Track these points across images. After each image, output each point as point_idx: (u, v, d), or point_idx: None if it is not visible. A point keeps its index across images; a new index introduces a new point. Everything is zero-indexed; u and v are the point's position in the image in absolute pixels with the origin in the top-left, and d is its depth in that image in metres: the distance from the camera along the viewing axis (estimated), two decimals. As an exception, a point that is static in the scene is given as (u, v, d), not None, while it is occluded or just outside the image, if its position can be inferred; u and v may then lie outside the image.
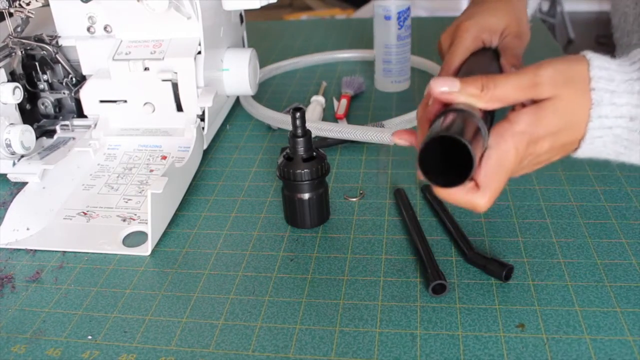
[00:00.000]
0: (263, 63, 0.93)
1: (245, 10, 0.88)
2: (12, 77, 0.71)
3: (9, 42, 0.72)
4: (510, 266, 0.50)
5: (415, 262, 0.53)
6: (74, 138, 0.72)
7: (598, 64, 0.41)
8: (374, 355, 0.44)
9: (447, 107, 0.42)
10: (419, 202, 0.61)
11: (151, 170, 0.67)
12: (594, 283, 0.49)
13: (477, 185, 0.41)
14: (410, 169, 0.67)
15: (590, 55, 0.42)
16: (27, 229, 0.59)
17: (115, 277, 0.54)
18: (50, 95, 0.75)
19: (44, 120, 0.75)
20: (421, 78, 0.91)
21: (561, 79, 0.41)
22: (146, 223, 0.57)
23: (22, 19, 0.74)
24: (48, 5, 0.72)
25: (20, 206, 0.60)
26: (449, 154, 0.41)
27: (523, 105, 0.42)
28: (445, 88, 0.42)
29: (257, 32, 1.16)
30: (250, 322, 0.48)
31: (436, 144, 0.40)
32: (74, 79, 0.74)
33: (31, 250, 0.58)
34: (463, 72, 0.51)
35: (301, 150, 0.56)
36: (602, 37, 3.19)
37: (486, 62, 0.54)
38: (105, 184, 0.65)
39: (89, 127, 0.72)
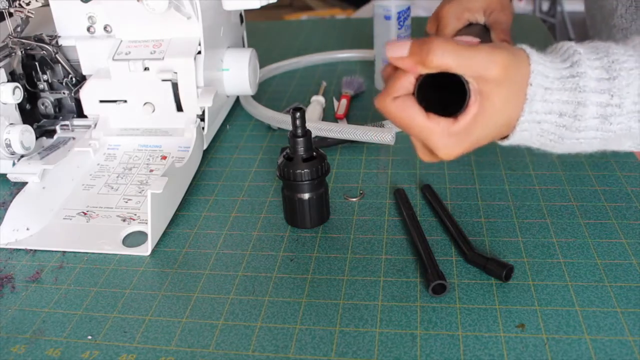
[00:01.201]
0: (263, 63, 0.93)
1: (245, 10, 0.88)
2: (12, 77, 0.71)
3: (9, 42, 0.72)
4: (510, 266, 0.50)
5: (415, 262, 0.53)
6: (74, 138, 0.72)
7: (535, 59, 0.42)
8: (374, 355, 0.44)
9: None
10: (419, 202, 0.61)
11: (151, 170, 0.67)
12: (594, 283, 0.49)
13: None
14: (410, 169, 0.67)
15: (528, 50, 0.43)
16: (27, 229, 0.59)
17: (115, 277, 0.54)
18: (50, 95, 0.75)
19: (44, 120, 0.75)
20: (421, 78, 0.91)
21: (513, 66, 0.41)
22: (146, 223, 0.57)
23: (22, 18, 0.74)
24: (48, 5, 0.72)
25: (20, 206, 0.60)
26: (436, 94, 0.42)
27: None
28: (396, 54, 0.42)
29: (257, 32, 1.16)
30: (250, 322, 0.48)
31: (431, 79, 0.41)
32: (74, 79, 0.74)
33: (31, 250, 0.58)
34: None
35: (301, 150, 0.56)
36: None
37: (475, 35, 0.54)
38: (105, 184, 0.65)
39: (89, 127, 0.72)
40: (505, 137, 0.45)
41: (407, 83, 0.43)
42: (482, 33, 0.59)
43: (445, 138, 0.42)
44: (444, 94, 0.43)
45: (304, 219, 0.58)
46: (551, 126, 0.43)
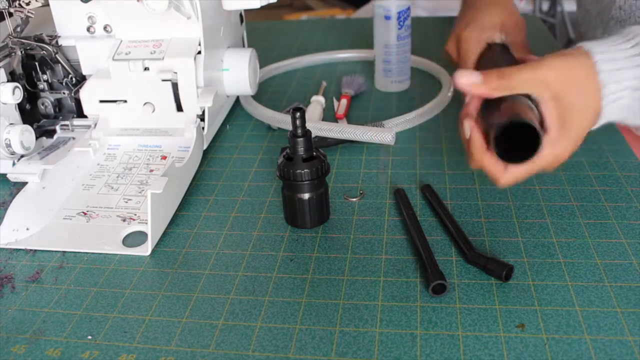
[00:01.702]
0: (263, 63, 0.93)
1: (245, 10, 0.88)
2: (12, 77, 0.71)
3: (9, 42, 0.72)
4: (511, 266, 0.50)
5: (415, 262, 0.53)
6: (73, 138, 0.72)
7: (597, 50, 0.49)
8: (374, 355, 0.44)
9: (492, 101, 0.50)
10: (419, 202, 0.61)
11: (151, 170, 0.67)
12: (594, 283, 0.49)
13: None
14: (410, 169, 0.67)
15: (588, 45, 0.50)
16: (27, 229, 0.59)
17: (115, 277, 0.54)
18: (50, 95, 0.75)
19: (44, 120, 0.75)
20: (421, 78, 0.91)
21: (567, 70, 0.49)
22: (146, 223, 0.57)
23: (21, 18, 0.74)
24: (48, 5, 0.72)
25: (20, 206, 0.60)
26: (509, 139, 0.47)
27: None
28: (468, 80, 0.49)
29: (257, 32, 1.16)
30: (250, 322, 0.48)
31: (507, 129, 0.46)
32: (73, 79, 0.74)
33: (31, 250, 0.58)
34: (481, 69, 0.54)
35: (301, 150, 0.56)
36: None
37: (498, 56, 0.59)
38: (105, 184, 0.65)
39: (88, 127, 0.72)
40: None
41: (479, 143, 0.50)
42: (504, 52, 0.60)
43: (550, 162, 0.50)
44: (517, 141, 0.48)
45: (304, 219, 0.58)
46: (629, 100, 0.50)
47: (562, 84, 0.49)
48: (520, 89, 0.49)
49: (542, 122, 0.49)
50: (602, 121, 0.52)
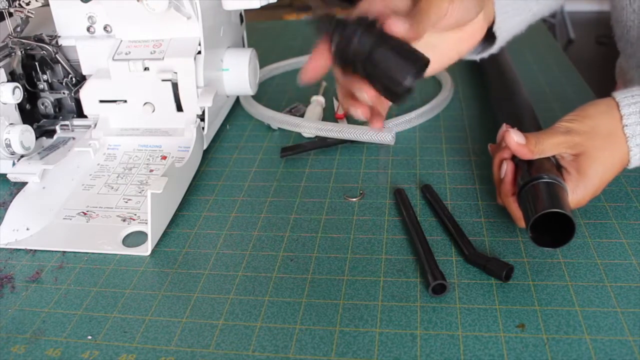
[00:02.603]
0: (263, 63, 0.93)
1: (245, 10, 0.88)
2: (12, 77, 0.71)
3: (9, 42, 0.72)
4: (511, 266, 0.50)
5: (415, 262, 0.53)
6: (73, 138, 0.72)
7: (626, 102, 0.52)
8: (374, 355, 0.44)
9: (530, 174, 0.52)
10: (419, 202, 0.61)
11: (151, 170, 0.67)
12: (594, 283, 0.49)
13: None
14: (410, 169, 0.67)
15: (619, 96, 0.53)
16: (27, 229, 0.59)
17: (115, 277, 0.54)
18: (50, 95, 0.75)
19: (44, 120, 0.75)
20: (421, 78, 0.91)
21: (592, 133, 0.52)
22: (146, 223, 0.57)
23: (21, 18, 0.74)
24: (48, 5, 0.72)
25: (20, 206, 0.60)
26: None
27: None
28: (518, 139, 0.52)
29: (257, 32, 1.16)
30: (250, 322, 0.48)
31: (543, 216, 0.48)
32: (73, 79, 0.74)
33: (31, 250, 0.58)
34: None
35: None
36: (602, 37, 3.19)
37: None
38: (105, 184, 0.65)
39: (88, 127, 0.72)
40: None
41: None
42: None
43: None
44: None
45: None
46: None
47: (587, 144, 0.52)
48: (550, 152, 0.53)
49: (559, 166, 0.53)
50: (635, 164, 0.54)
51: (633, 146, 0.52)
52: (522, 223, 0.52)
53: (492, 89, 0.78)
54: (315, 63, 0.48)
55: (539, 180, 0.51)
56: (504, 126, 0.56)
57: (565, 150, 0.52)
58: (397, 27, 0.45)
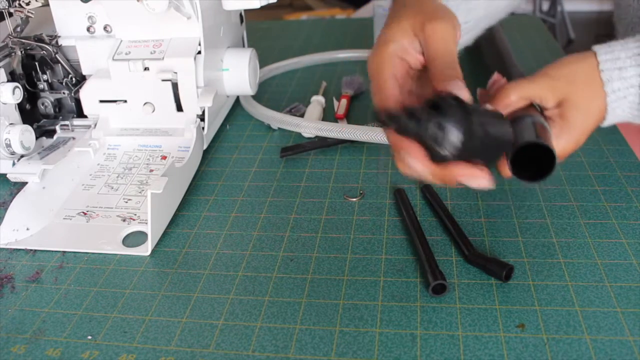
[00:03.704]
0: (263, 63, 0.93)
1: (245, 10, 0.88)
2: (12, 77, 0.71)
3: (9, 42, 0.72)
4: (511, 266, 0.50)
5: (415, 262, 0.53)
6: (73, 138, 0.72)
7: (603, 50, 0.51)
8: (374, 355, 0.44)
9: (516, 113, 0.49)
10: (419, 202, 0.61)
11: (151, 170, 0.67)
12: (594, 283, 0.49)
13: None
14: (410, 169, 0.67)
15: (597, 47, 0.52)
16: (27, 229, 0.59)
17: (115, 277, 0.54)
18: (50, 95, 0.75)
19: (44, 120, 0.75)
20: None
21: (571, 77, 0.50)
22: (146, 223, 0.57)
23: (21, 18, 0.74)
24: (48, 5, 0.72)
25: (20, 206, 0.60)
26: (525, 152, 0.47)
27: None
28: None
29: (257, 32, 1.16)
30: (250, 322, 0.48)
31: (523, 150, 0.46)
32: (73, 79, 0.74)
33: (31, 250, 0.58)
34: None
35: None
36: (602, 36, 3.18)
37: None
38: (105, 184, 0.65)
39: (88, 127, 0.72)
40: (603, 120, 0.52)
41: None
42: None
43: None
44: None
45: None
46: (636, 97, 0.50)
47: (568, 89, 0.50)
48: (532, 96, 0.50)
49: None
50: (611, 120, 0.52)
51: (610, 92, 0.50)
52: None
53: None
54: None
55: (525, 117, 0.48)
56: (496, 74, 0.55)
57: (547, 94, 0.50)
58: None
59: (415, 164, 0.44)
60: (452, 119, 0.41)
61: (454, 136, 0.41)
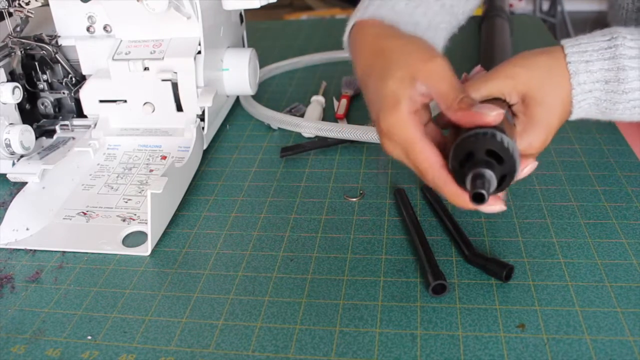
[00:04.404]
0: (263, 63, 0.93)
1: (245, 10, 0.88)
2: (12, 76, 0.71)
3: (9, 42, 0.72)
4: (511, 266, 0.50)
5: (415, 262, 0.53)
6: (73, 138, 0.72)
7: (570, 43, 0.50)
8: (374, 355, 0.44)
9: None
10: (419, 202, 0.61)
11: (151, 170, 0.67)
12: (595, 283, 0.49)
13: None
14: (410, 169, 0.67)
15: (563, 41, 0.50)
16: (27, 229, 0.59)
17: (115, 277, 0.54)
18: (50, 95, 0.75)
19: (44, 120, 0.75)
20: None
21: (532, 67, 0.49)
22: (146, 223, 0.57)
23: (21, 18, 0.74)
24: (47, 5, 0.72)
25: (19, 206, 0.60)
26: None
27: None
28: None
29: (257, 32, 1.16)
30: (250, 322, 0.48)
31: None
32: (73, 79, 0.74)
33: (31, 250, 0.58)
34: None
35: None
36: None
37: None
38: (105, 184, 0.65)
39: (88, 127, 0.72)
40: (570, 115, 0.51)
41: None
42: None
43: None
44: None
45: None
46: (601, 93, 0.49)
47: (528, 85, 0.48)
48: (492, 93, 0.49)
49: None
50: (578, 114, 0.50)
51: (575, 84, 0.48)
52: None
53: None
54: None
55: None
56: (479, 67, 0.54)
57: (509, 90, 0.49)
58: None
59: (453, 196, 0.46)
60: (494, 170, 0.43)
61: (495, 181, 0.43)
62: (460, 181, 0.45)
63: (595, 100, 0.49)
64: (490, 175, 0.42)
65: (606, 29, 0.50)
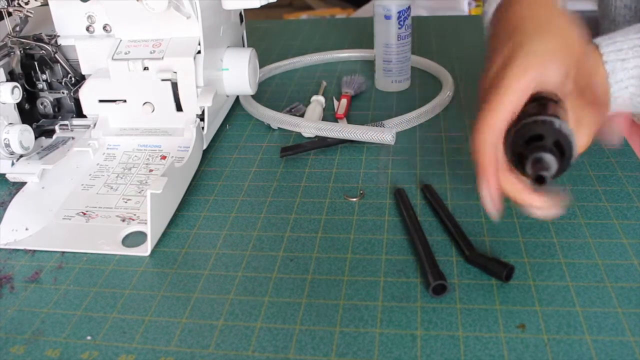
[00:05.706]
0: (263, 63, 0.93)
1: (245, 10, 0.87)
2: (11, 76, 0.71)
3: (8, 42, 0.72)
4: (511, 266, 0.50)
5: (415, 262, 0.53)
6: (73, 138, 0.72)
7: (605, 43, 0.53)
8: (374, 355, 0.44)
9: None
10: (419, 202, 0.61)
11: (151, 170, 0.67)
12: (595, 283, 0.49)
13: None
14: (411, 169, 0.67)
15: (598, 40, 0.53)
16: (26, 229, 0.59)
17: (114, 277, 0.54)
18: (49, 95, 0.75)
19: (43, 120, 0.75)
20: (421, 78, 0.91)
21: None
22: (146, 223, 0.57)
23: (21, 18, 0.74)
24: (47, 4, 0.72)
25: (19, 206, 0.60)
26: None
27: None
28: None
29: (257, 31, 1.16)
30: (250, 322, 0.48)
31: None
32: (73, 79, 0.74)
33: (30, 250, 0.58)
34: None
35: None
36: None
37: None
38: (105, 184, 0.65)
39: (88, 126, 0.72)
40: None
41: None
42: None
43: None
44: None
45: None
46: (636, 89, 0.52)
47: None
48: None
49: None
50: (612, 108, 0.54)
51: (613, 82, 0.52)
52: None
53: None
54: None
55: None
56: None
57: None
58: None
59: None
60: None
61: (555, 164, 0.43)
62: (516, 161, 0.45)
63: (630, 95, 0.53)
64: (553, 161, 0.42)
65: (637, 25, 0.53)
